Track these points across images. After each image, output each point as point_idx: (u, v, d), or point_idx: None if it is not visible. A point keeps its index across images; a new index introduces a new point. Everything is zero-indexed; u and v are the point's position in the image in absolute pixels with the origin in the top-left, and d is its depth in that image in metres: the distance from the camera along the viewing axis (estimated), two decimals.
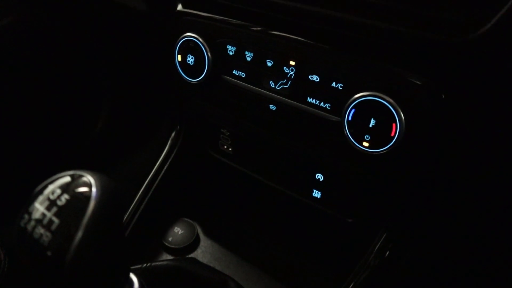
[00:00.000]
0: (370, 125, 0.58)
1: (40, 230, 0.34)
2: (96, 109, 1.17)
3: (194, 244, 0.83)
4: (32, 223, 0.35)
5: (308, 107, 0.66)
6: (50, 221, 0.35)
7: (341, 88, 0.61)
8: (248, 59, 0.70)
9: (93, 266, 0.36)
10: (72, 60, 1.12)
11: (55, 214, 0.35)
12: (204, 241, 0.85)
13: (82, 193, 0.36)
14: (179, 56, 0.77)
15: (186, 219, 0.87)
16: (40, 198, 0.36)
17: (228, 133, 0.83)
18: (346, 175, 0.68)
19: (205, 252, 0.83)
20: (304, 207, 0.76)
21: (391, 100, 0.55)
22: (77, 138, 1.15)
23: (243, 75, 0.72)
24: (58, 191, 0.36)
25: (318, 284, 0.77)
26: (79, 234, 0.34)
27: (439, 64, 0.55)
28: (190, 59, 0.75)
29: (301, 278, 0.78)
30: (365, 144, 0.59)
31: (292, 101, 0.67)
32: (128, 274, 0.45)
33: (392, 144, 0.57)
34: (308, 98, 0.65)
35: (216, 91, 0.77)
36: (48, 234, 0.34)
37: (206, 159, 0.88)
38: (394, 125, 0.56)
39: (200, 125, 0.86)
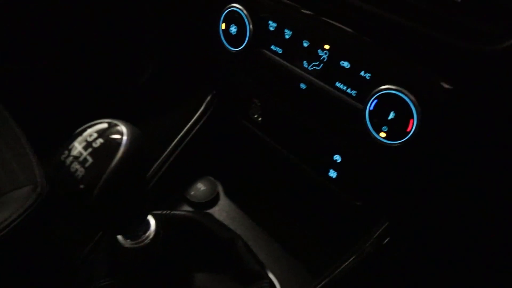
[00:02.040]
0: (389, 117, 0.61)
1: (76, 165, 0.41)
2: (141, 64, 1.24)
3: (213, 201, 0.90)
4: (70, 158, 0.41)
5: (335, 91, 0.69)
6: (85, 159, 0.41)
7: (368, 78, 0.64)
8: (287, 36, 0.73)
9: (115, 202, 0.42)
10: (122, 14, 1.18)
11: (90, 154, 0.41)
12: (223, 200, 0.92)
13: (114, 139, 0.42)
14: (223, 24, 0.81)
15: (209, 177, 0.93)
16: (79, 138, 0.42)
17: (260, 104, 0.87)
18: (361, 160, 0.72)
19: (221, 210, 0.90)
20: (318, 184, 0.81)
21: (412, 98, 0.58)
22: (120, 89, 1.23)
23: (279, 51, 0.76)
24: (95, 135, 0.42)
25: (316, 259, 0.82)
26: (106, 174, 0.40)
27: (467, 71, 0.57)
28: (233, 29, 0.79)
29: (303, 250, 0.83)
30: (382, 134, 0.62)
31: (322, 83, 0.71)
32: (146, 216, 0.52)
33: (407, 139, 0.60)
34: (337, 82, 0.68)
35: (253, 62, 0.81)
36: (82, 170, 0.41)
37: (235, 125, 0.93)
38: (411, 121, 0.59)
39: (234, 92, 0.91)
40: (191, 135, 0.92)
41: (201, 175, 0.93)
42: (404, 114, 0.59)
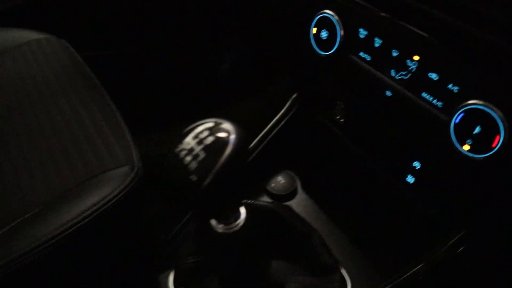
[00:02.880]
0: (475, 132, 0.62)
1: (189, 158, 0.48)
2: (220, 56, 1.30)
3: (291, 194, 0.95)
4: (184, 152, 0.48)
5: (421, 101, 0.71)
6: (197, 154, 0.48)
7: (456, 91, 0.65)
8: (376, 45, 0.76)
9: (220, 194, 0.49)
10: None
11: (202, 149, 0.48)
12: (300, 195, 0.97)
13: (223, 138, 0.48)
14: (315, 29, 0.85)
15: (289, 171, 0.99)
16: (192, 134, 0.49)
17: (343, 106, 0.90)
18: (442, 169, 0.73)
19: (298, 204, 0.95)
20: (393, 189, 0.83)
21: (500, 114, 0.59)
22: (199, 79, 1.31)
23: (368, 58, 0.79)
24: (206, 133, 0.49)
25: (387, 261, 0.85)
26: (216, 169, 0.47)
27: None
28: (324, 34, 0.83)
29: (374, 250, 0.86)
30: (466, 147, 0.64)
31: (408, 93, 0.73)
32: (241, 205, 0.58)
33: (491, 154, 0.61)
34: (423, 93, 0.70)
35: (340, 66, 0.85)
36: (194, 163, 0.47)
37: (317, 124, 0.97)
38: (497, 137, 0.60)
39: (319, 93, 0.95)
40: (275, 131, 0.97)
41: (281, 169, 0.99)
42: (491, 129, 0.60)
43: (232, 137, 0.48)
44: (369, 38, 0.77)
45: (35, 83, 0.96)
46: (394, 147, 0.82)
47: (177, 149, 0.49)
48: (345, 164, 1.00)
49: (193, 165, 0.47)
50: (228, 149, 0.47)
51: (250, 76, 1.40)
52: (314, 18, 0.84)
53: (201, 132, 0.49)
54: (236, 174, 0.49)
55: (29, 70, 0.99)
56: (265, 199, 0.95)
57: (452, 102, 0.65)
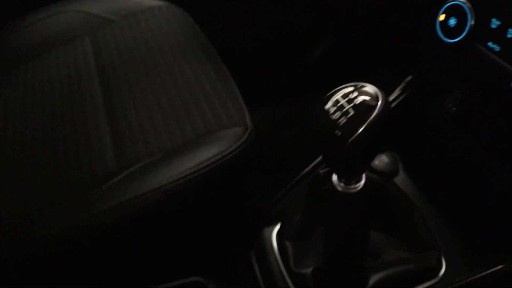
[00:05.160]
0: None
1: (339, 114, 0.53)
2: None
3: (393, 174, 0.99)
4: (334, 108, 0.54)
5: None
6: (347, 111, 0.53)
7: None
8: (509, 36, 0.76)
9: (360, 152, 0.55)
10: None
11: (352, 108, 0.53)
12: (401, 175, 1.00)
13: (371, 100, 0.54)
14: (442, 15, 0.86)
15: (392, 151, 1.02)
16: (342, 93, 0.55)
17: (460, 95, 0.91)
18: None
19: (399, 184, 0.98)
20: (503, 183, 0.83)
21: None
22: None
23: (497, 48, 0.79)
24: (356, 93, 0.54)
25: (484, 249, 0.85)
26: (362, 128, 0.53)
27: None
28: (452, 21, 0.84)
29: (472, 237, 0.87)
30: None
31: None
32: (366, 170, 0.64)
33: None
34: None
35: (463, 55, 0.86)
36: (343, 118, 0.53)
37: (428, 110, 0.99)
38: None
39: (434, 80, 0.96)
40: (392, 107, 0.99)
41: (385, 149, 1.02)
42: None
43: (379, 101, 0.53)
44: (502, 29, 0.77)
45: (158, 46, 1.04)
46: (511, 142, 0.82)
47: (327, 106, 0.55)
48: (451, 151, 1.01)
49: (342, 120, 0.53)
50: (375, 111, 0.53)
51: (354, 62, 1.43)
52: (445, 4, 0.85)
53: (351, 92, 0.54)
54: (378, 137, 0.55)
55: (152, 33, 1.08)
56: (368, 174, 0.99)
57: None
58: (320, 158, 1.00)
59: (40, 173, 0.83)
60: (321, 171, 0.85)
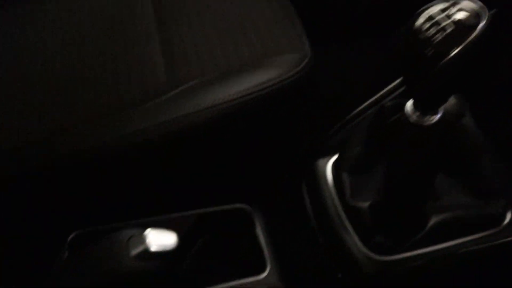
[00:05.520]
0: None
1: (433, 31, 0.47)
2: None
3: (459, 116, 0.91)
4: (428, 24, 0.48)
5: None
6: (444, 28, 0.47)
7: None
8: None
9: (452, 77, 0.49)
10: None
11: (451, 23, 0.47)
12: (468, 118, 0.92)
13: (472, 18, 0.47)
14: None
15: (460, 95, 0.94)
16: (438, 7, 0.48)
17: None
18: None
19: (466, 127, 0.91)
20: None
21: None
22: None
23: None
24: (455, 8, 0.48)
25: None
26: (461, 46, 0.46)
27: None
28: None
29: None
30: None
31: None
32: (447, 100, 0.58)
33: None
34: None
35: None
36: (438, 35, 0.47)
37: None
38: None
39: None
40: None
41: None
42: None
43: (482, 21, 0.47)
44: None
45: None
46: None
47: (418, 22, 0.49)
48: None
49: (437, 37, 0.47)
50: (477, 30, 0.46)
51: None
52: None
53: (448, 7, 0.48)
54: (476, 61, 0.48)
55: None
56: None
57: None
58: (385, 90, 0.94)
59: (90, 87, 0.82)
60: (387, 104, 0.79)
